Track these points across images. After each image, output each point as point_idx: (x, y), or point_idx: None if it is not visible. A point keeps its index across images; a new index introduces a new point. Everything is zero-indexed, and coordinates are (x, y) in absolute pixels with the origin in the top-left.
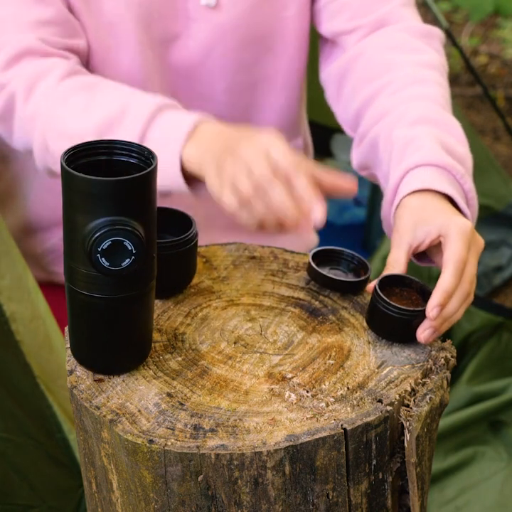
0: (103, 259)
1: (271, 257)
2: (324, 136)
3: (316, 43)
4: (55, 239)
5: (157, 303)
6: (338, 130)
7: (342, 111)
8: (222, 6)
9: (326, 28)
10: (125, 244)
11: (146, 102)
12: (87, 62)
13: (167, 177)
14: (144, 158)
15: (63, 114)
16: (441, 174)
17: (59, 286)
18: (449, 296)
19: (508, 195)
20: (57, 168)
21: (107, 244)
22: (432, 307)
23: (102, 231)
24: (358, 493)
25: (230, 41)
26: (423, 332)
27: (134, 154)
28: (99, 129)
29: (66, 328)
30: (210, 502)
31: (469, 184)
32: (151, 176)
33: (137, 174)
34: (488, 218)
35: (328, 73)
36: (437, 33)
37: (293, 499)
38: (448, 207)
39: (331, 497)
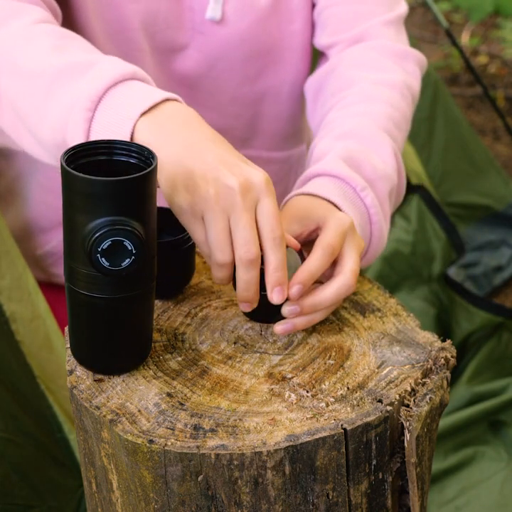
0: (103, 259)
1: None
2: None
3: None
4: (54, 242)
5: (157, 303)
6: None
7: (314, 124)
8: (227, 20)
9: (315, 42)
10: (125, 244)
11: (119, 63)
12: None
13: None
14: (144, 158)
15: (24, 51)
16: (334, 184)
17: (59, 286)
18: (312, 277)
19: (508, 195)
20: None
21: (107, 244)
22: (292, 284)
23: (102, 231)
24: (358, 493)
25: (236, 54)
26: (285, 308)
27: (134, 154)
28: (58, 72)
29: (66, 328)
30: (210, 502)
31: (371, 199)
32: (151, 175)
33: (137, 174)
34: (488, 218)
35: (308, 86)
36: (414, 55)
37: (293, 499)
38: (332, 207)
39: (331, 497)
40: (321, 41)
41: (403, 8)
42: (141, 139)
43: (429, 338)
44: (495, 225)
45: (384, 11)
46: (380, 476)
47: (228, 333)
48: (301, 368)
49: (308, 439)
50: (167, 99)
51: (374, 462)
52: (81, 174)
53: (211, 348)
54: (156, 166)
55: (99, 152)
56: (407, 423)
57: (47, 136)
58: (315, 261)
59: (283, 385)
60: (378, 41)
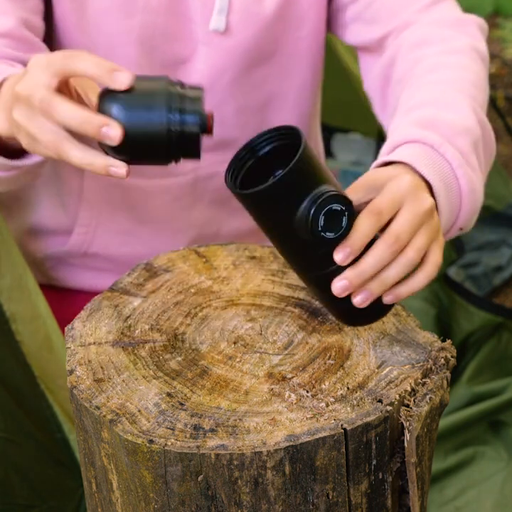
0: (327, 233)
1: (271, 256)
2: (324, 136)
3: (329, 48)
4: (56, 247)
5: (157, 303)
6: (339, 130)
7: (389, 120)
8: (232, 30)
9: (356, 41)
10: (335, 208)
11: None
12: None
13: None
14: (281, 135)
15: None
16: (409, 148)
17: (59, 288)
18: (360, 238)
19: (508, 195)
20: None
21: (322, 219)
22: (340, 249)
23: (312, 213)
24: (358, 493)
25: (241, 63)
26: (337, 282)
27: (273, 140)
28: None
29: (66, 328)
30: (210, 502)
31: (452, 153)
32: (306, 148)
33: (298, 155)
34: (488, 218)
35: (370, 84)
36: (471, 19)
37: (293, 499)
38: (401, 172)
39: (331, 497)
40: (372, 36)
41: None
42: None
43: (429, 338)
44: (495, 225)
45: None
46: (380, 476)
47: (228, 333)
48: (301, 368)
49: (308, 439)
50: (5, 79)
51: (374, 462)
52: (261, 187)
53: (211, 348)
54: (304, 139)
55: (246, 161)
56: (407, 423)
57: None
58: (359, 223)
59: (283, 385)
60: (430, 17)
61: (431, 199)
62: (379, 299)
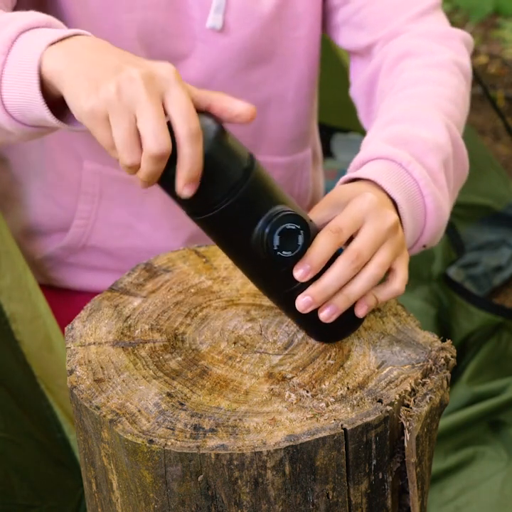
0: (284, 252)
1: None
2: (324, 136)
3: (325, 47)
4: (54, 246)
5: (157, 303)
6: (338, 130)
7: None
8: (229, 29)
9: (347, 44)
10: (289, 227)
11: (35, 14)
12: None
13: (26, 99)
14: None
15: None
16: (378, 164)
17: (58, 288)
18: (319, 256)
19: (508, 195)
20: None
21: (278, 239)
22: (299, 265)
23: (266, 233)
24: (358, 493)
25: (238, 62)
26: (300, 299)
27: None
28: None
29: (66, 328)
30: (210, 502)
31: (419, 171)
32: (259, 171)
33: (250, 178)
34: (488, 218)
35: (356, 89)
36: (458, 34)
37: (293, 499)
38: (366, 189)
39: (331, 497)
40: (360, 41)
41: None
42: (48, 67)
43: (429, 338)
44: (495, 225)
45: (419, 1)
46: (380, 476)
47: (228, 333)
48: (301, 368)
49: (308, 439)
50: (78, 34)
51: (374, 462)
52: (209, 214)
53: (211, 348)
54: (259, 166)
55: None
56: (407, 423)
57: None
58: (318, 241)
59: (283, 385)
60: (418, 29)
61: (394, 215)
62: (346, 313)
